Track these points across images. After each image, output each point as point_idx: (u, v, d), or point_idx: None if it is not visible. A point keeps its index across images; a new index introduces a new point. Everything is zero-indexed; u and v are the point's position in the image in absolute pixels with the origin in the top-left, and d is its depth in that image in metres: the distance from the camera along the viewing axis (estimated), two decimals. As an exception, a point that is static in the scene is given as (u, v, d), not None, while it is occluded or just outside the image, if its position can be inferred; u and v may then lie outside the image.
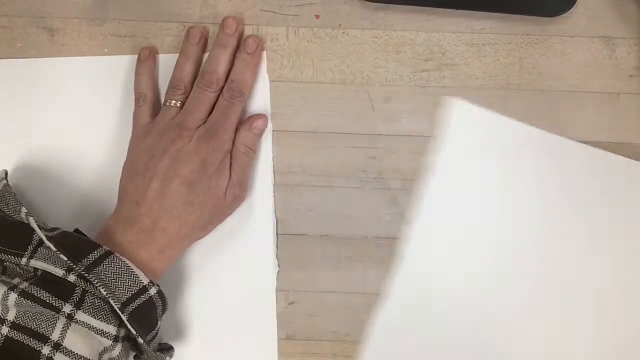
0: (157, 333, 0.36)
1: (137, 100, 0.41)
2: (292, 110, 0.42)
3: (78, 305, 0.32)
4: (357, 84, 0.42)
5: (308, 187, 0.42)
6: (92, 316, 0.32)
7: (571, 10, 0.41)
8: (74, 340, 0.32)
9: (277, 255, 0.41)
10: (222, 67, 0.40)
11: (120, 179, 0.39)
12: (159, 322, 0.36)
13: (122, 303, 0.33)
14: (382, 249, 0.42)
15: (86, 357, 0.32)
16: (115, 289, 0.33)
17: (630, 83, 0.42)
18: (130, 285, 0.33)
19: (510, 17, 0.42)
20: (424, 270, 0.41)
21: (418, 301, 0.41)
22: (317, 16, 0.42)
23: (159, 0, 0.42)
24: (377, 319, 0.41)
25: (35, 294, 0.32)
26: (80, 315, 0.32)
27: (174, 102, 0.39)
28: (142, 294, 0.34)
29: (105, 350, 0.33)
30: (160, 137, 0.38)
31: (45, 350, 0.31)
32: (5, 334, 0.32)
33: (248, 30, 0.42)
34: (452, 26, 0.42)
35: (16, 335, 0.32)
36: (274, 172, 0.42)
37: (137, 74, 0.41)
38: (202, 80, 0.39)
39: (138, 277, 0.34)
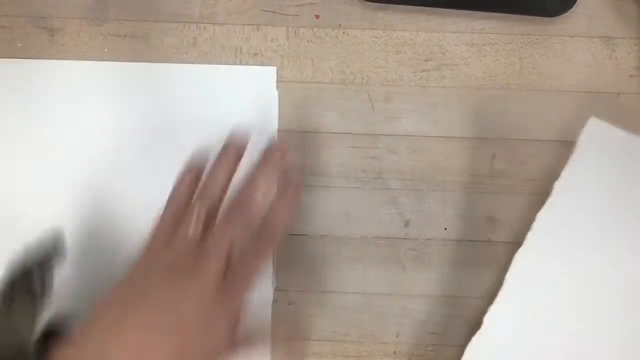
0: None
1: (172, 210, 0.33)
2: (292, 110, 0.42)
3: None
4: (357, 84, 0.42)
5: (308, 187, 0.42)
6: None
7: (571, 10, 0.41)
8: None
9: (275, 272, 0.41)
10: (262, 198, 0.32)
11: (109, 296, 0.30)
12: None
13: None
14: (382, 249, 0.42)
15: None
16: None
17: (630, 83, 0.42)
18: None
19: (510, 17, 0.42)
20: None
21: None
22: (317, 16, 0.42)
23: (159, 0, 0.42)
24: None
25: None
26: None
27: (192, 229, 0.31)
28: None
29: None
30: (171, 280, 0.30)
31: None
32: None
33: (248, 31, 0.42)
34: (452, 26, 0.42)
35: None
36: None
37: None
38: (237, 213, 0.32)
39: None
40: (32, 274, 0.30)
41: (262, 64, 0.42)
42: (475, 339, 0.38)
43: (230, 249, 0.31)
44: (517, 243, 0.39)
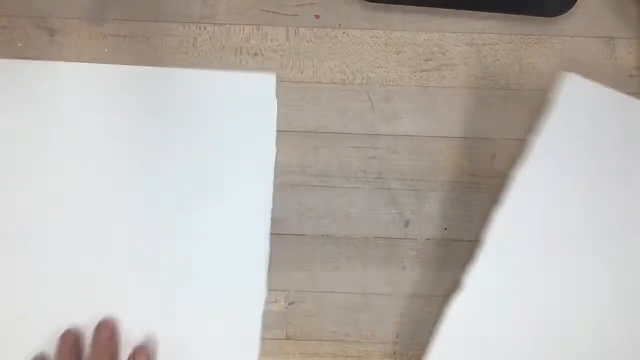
0: None
1: None
2: (292, 110, 0.42)
3: None
4: (357, 84, 0.42)
5: (308, 187, 0.42)
6: None
7: (571, 10, 0.41)
8: None
9: (267, 280, 0.41)
10: None
11: None
12: None
13: None
14: (382, 249, 0.42)
15: None
16: None
17: (630, 83, 0.42)
18: None
19: (510, 17, 0.42)
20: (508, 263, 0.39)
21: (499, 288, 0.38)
22: (317, 16, 0.42)
23: (159, 0, 0.42)
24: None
25: None
26: None
27: None
28: None
29: None
30: None
31: None
32: None
33: (248, 31, 0.42)
34: (452, 26, 0.42)
35: None
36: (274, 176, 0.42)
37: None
38: None
39: None
40: None
41: (262, 64, 0.42)
42: (457, 299, 0.39)
43: None
44: (517, 243, 0.39)
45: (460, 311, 0.38)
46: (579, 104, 0.38)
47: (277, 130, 0.42)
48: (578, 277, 0.38)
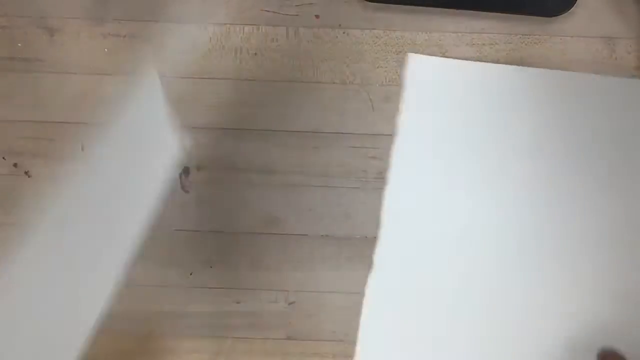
0: None
1: None
2: (292, 110, 0.42)
3: None
4: (357, 84, 0.42)
5: (308, 187, 0.42)
6: None
7: (571, 10, 0.41)
8: None
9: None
10: None
11: None
12: None
13: None
14: (382, 249, 0.42)
15: None
16: None
17: (630, 83, 0.42)
18: None
19: (510, 17, 0.42)
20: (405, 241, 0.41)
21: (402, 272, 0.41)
22: (317, 16, 0.42)
23: (159, 0, 0.42)
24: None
25: None
26: None
27: None
28: None
29: None
30: None
31: None
32: None
33: (248, 30, 0.42)
34: (452, 26, 0.42)
35: None
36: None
37: None
38: None
39: None
40: None
41: (263, 63, 0.42)
42: (370, 280, 0.40)
43: None
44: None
45: (376, 288, 0.40)
46: (425, 77, 0.41)
47: (277, 131, 0.42)
48: (471, 245, 0.41)
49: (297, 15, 0.42)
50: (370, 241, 0.42)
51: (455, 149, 0.41)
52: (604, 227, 0.40)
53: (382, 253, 0.41)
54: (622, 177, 0.40)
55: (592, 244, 0.40)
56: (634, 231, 0.40)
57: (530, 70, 0.41)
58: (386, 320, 0.40)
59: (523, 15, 0.41)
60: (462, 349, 0.40)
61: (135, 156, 0.42)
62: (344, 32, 0.42)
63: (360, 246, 0.42)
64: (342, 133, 0.42)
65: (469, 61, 0.41)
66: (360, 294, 0.42)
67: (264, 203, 0.42)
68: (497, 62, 0.42)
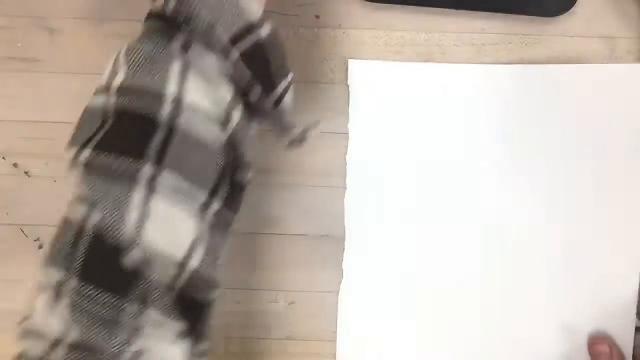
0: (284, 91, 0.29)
1: None
2: (292, 110, 0.42)
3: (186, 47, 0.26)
4: (357, 84, 0.42)
5: (308, 187, 0.42)
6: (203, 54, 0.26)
7: (571, 10, 0.41)
8: (196, 88, 0.26)
9: None
10: None
11: None
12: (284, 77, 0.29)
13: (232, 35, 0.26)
14: (382, 249, 0.42)
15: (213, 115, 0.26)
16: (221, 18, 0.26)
17: (630, 83, 0.42)
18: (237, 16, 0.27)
19: (510, 17, 0.42)
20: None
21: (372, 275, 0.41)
22: (317, 16, 0.42)
23: (159, 0, 0.42)
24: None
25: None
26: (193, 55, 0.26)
27: None
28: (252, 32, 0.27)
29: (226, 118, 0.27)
30: None
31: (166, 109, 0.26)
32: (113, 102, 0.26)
33: (248, 30, 0.42)
34: (452, 26, 0.42)
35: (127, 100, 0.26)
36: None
37: None
38: None
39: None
40: None
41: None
42: (342, 286, 0.41)
43: None
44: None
45: (347, 297, 0.41)
46: (368, 80, 0.41)
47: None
48: (433, 241, 0.41)
49: (297, 15, 0.42)
50: (370, 241, 0.42)
51: (404, 147, 0.41)
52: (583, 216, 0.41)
53: (349, 259, 0.41)
54: (594, 173, 0.40)
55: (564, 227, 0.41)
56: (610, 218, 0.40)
57: (469, 66, 0.41)
58: (361, 324, 0.41)
59: (523, 15, 0.41)
60: (438, 349, 0.41)
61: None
62: (344, 32, 0.42)
63: (360, 246, 0.42)
64: (342, 133, 0.42)
65: (409, 62, 0.41)
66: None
67: (264, 203, 0.42)
68: (497, 62, 0.42)
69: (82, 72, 0.42)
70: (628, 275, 0.40)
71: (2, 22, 0.42)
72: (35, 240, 0.43)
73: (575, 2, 0.41)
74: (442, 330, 0.41)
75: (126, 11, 0.42)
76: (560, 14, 0.41)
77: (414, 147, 0.41)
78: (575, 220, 0.40)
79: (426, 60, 0.42)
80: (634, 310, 0.40)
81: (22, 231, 0.43)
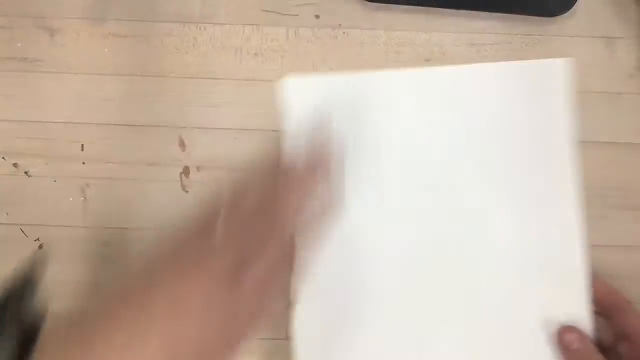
0: None
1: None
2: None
3: None
4: (357, 84, 0.42)
5: (308, 187, 0.42)
6: None
7: (571, 10, 0.41)
8: None
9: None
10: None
11: None
12: None
13: None
14: (382, 249, 0.42)
15: None
16: None
17: (630, 83, 0.42)
18: None
19: (510, 17, 0.42)
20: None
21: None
22: (317, 16, 0.42)
23: (159, 0, 0.42)
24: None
25: None
26: None
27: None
28: None
29: None
30: None
31: None
32: None
33: (248, 31, 0.42)
34: (452, 26, 0.42)
35: None
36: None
37: None
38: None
39: None
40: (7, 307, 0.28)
41: (263, 63, 0.42)
42: (297, 310, 0.38)
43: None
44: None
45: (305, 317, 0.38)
46: (302, 97, 0.39)
47: (277, 131, 0.42)
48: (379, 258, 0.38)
49: (297, 15, 0.42)
50: (370, 241, 0.42)
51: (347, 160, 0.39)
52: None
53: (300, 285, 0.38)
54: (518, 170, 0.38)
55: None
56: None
57: (405, 72, 0.38)
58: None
59: (523, 15, 0.41)
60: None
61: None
62: (344, 32, 0.42)
63: (360, 246, 0.42)
64: (342, 133, 0.42)
65: (343, 73, 0.39)
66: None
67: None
68: (497, 62, 0.42)
69: (82, 72, 0.42)
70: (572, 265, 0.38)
71: (2, 22, 0.42)
72: (35, 240, 0.43)
73: (575, 2, 0.41)
74: (397, 333, 0.39)
75: (126, 11, 0.42)
76: (561, 14, 0.41)
77: (354, 159, 0.38)
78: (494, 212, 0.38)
79: (426, 60, 0.42)
80: (586, 289, 0.38)
81: (22, 231, 0.43)
